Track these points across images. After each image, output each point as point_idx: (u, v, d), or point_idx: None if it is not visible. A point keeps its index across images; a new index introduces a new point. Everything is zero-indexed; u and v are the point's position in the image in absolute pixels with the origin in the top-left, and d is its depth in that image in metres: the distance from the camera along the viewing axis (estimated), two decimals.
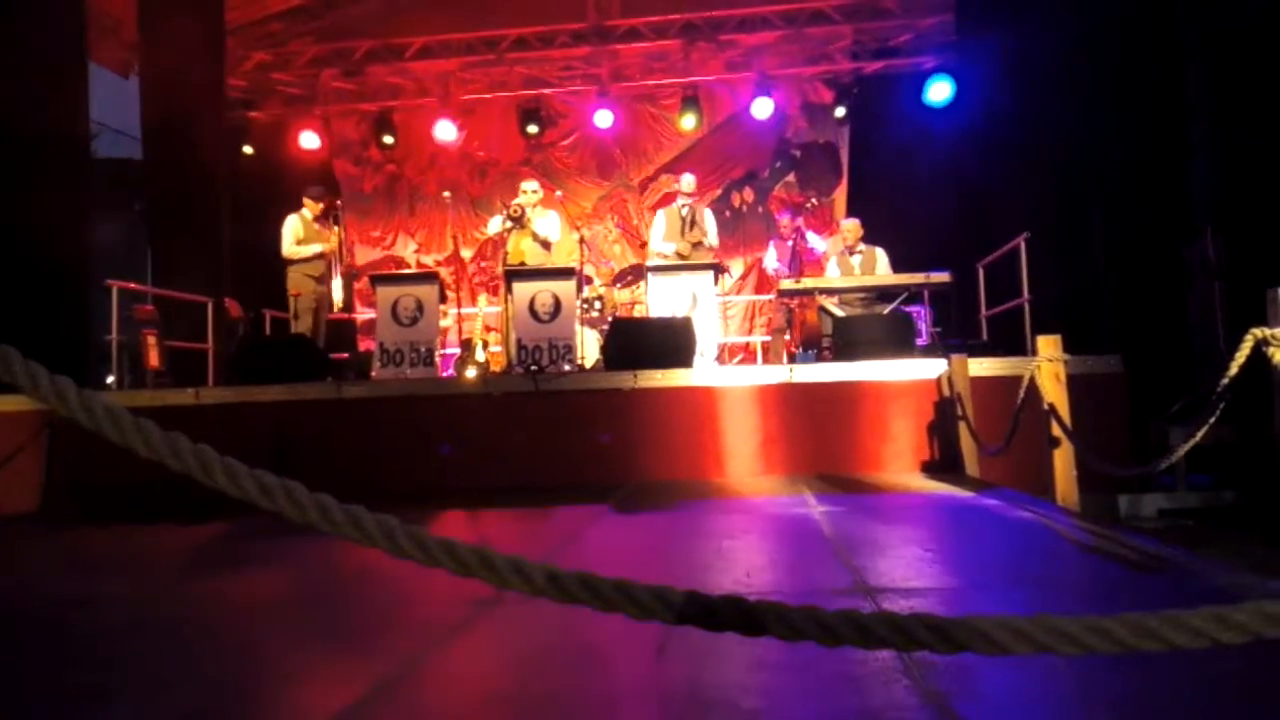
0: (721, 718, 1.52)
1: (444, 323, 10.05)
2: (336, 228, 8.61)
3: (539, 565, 0.95)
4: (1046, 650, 0.89)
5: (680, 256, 8.40)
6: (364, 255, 13.76)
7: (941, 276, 7.50)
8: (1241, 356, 2.85)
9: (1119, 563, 2.85)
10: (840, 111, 12.83)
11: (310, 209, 8.42)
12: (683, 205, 8.69)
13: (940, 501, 4.44)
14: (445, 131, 12.87)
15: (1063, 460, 4.58)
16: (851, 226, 8.82)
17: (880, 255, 8.60)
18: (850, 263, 8.59)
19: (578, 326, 7.48)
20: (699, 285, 7.68)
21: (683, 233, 8.55)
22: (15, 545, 4.53)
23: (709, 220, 8.70)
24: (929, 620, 0.90)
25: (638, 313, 9.45)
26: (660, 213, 9.04)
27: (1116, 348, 5.84)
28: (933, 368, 5.85)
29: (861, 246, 8.63)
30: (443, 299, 8.12)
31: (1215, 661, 1.66)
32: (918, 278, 7.65)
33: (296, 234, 8.25)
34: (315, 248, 8.28)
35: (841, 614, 0.92)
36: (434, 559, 0.94)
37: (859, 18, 12.33)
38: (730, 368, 8.44)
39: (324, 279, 8.45)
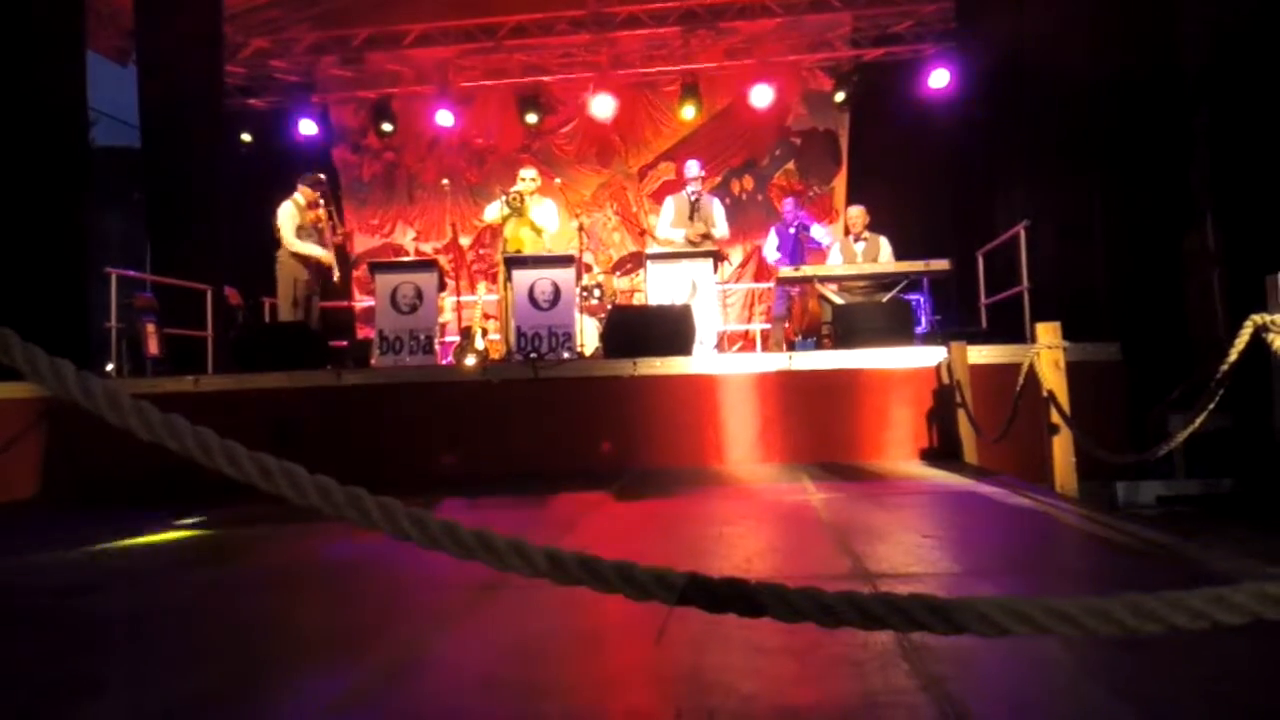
0: (720, 701, 1.53)
1: (443, 317, 10.06)
2: (331, 216, 8.53)
3: (540, 547, 0.95)
4: (1046, 631, 0.89)
5: (690, 243, 8.39)
6: (362, 243, 13.74)
7: (941, 264, 7.50)
8: (1241, 343, 2.85)
9: (1117, 549, 2.85)
10: (840, 98, 12.79)
11: (305, 195, 8.39)
12: (691, 192, 8.69)
13: (939, 488, 4.45)
14: (444, 119, 12.84)
15: (1061, 447, 4.59)
16: (857, 213, 8.81)
17: (884, 244, 8.59)
18: (853, 249, 8.59)
19: (577, 314, 7.47)
20: (698, 273, 7.67)
21: (691, 219, 8.55)
22: (14, 531, 4.54)
23: (718, 211, 8.69)
24: (929, 601, 0.91)
25: (637, 300, 9.43)
26: (669, 199, 9.01)
27: (1115, 335, 5.84)
28: (932, 355, 5.85)
29: (866, 233, 8.63)
30: (442, 287, 8.11)
31: (1214, 646, 1.67)
32: (917, 265, 7.65)
33: (295, 221, 8.22)
34: (313, 248, 8.22)
35: (841, 595, 0.92)
36: (435, 541, 0.94)
37: (859, 4, 12.29)
38: (730, 355, 8.44)
39: (317, 269, 8.43)
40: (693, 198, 8.66)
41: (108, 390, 0.94)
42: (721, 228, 8.63)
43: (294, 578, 2.98)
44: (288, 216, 8.20)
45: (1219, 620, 0.88)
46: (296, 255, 8.17)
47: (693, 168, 8.91)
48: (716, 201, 8.95)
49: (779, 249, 9.38)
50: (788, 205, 9.84)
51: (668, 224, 8.70)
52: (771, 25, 12.47)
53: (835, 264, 8.52)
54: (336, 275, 8.61)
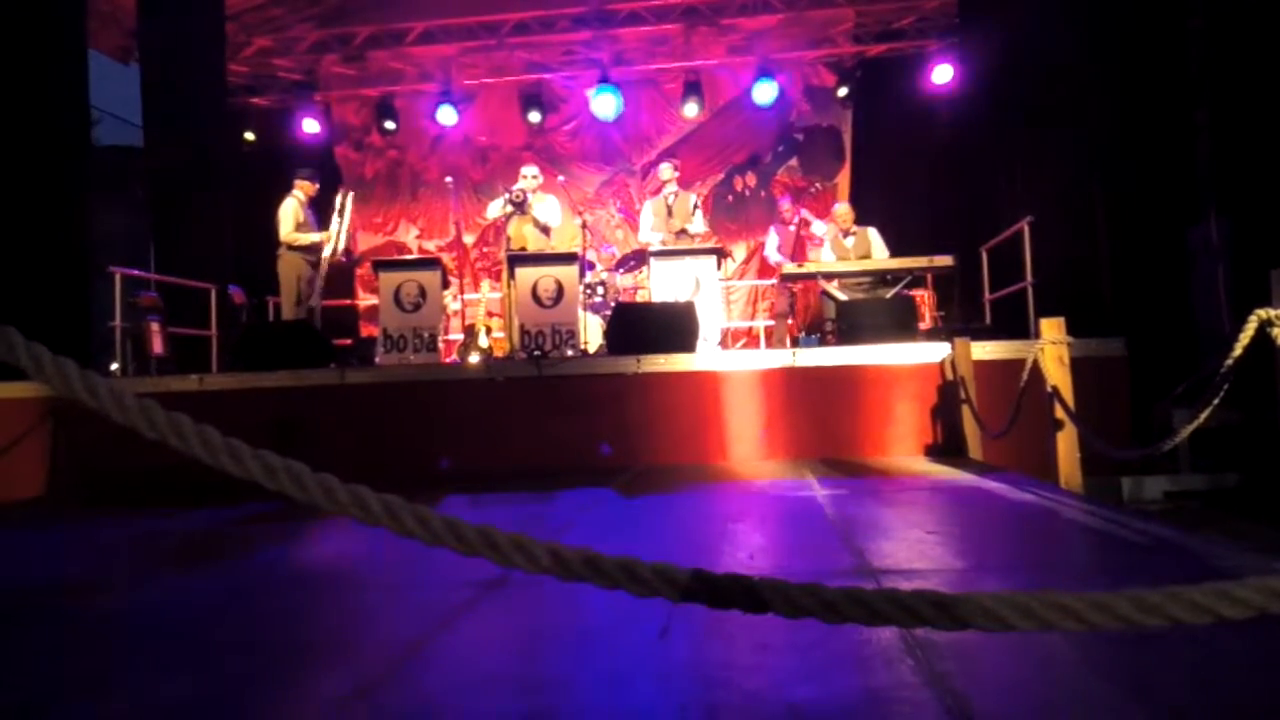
0: (724, 697, 1.53)
1: (453, 306, 10.07)
2: (338, 218, 8.51)
3: (543, 543, 0.95)
4: (1050, 626, 0.89)
5: (664, 245, 8.47)
6: (366, 241, 13.74)
7: (945, 260, 7.50)
8: (1245, 338, 2.85)
9: (1122, 544, 2.85)
10: (843, 93, 12.78)
11: (304, 190, 8.40)
12: (668, 194, 8.78)
13: (943, 484, 4.44)
14: (447, 117, 12.84)
15: (1066, 443, 4.58)
16: (843, 211, 8.92)
17: (873, 235, 8.67)
18: (845, 245, 8.64)
19: (580, 311, 7.48)
20: (702, 270, 7.68)
21: (666, 221, 8.63)
22: (20, 530, 4.55)
23: (691, 206, 8.74)
24: (933, 597, 0.91)
25: (640, 297, 9.43)
26: (648, 202, 9.23)
27: (1120, 330, 5.83)
28: (936, 351, 5.84)
29: (855, 228, 8.71)
30: (445, 284, 8.12)
31: (1218, 640, 1.67)
32: (921, 261, 7.65)
33: (297, 218, 8.23)
34: (314, 236, 8.26)
35: (845, 591, 0.92)
36: (438, 537, 0.94)
37: (861, 0, 12.26)
38: (733, 352, 8.43)
39: (319, 265, 8.44)
40: (669, 199, 8.74)
41: (112, 389, 0.94)
42: (697, 224, 8.67)
43: (297, 575, 2.98)
44: (288, 213, 8.21)
45: (1223, 615, 0.88)
46: (297, 248, 8.18)
47: (665, 170, 9.03)
48: (694, 198, 9.00)
49: (779, 249, 9.40)
50: (785, 203, 9.87)
51: (648, 228, 8.82)
52: (773, 21, 12.44)
53: (829, 260, 8.55)
54: (339, 249, 8.55)
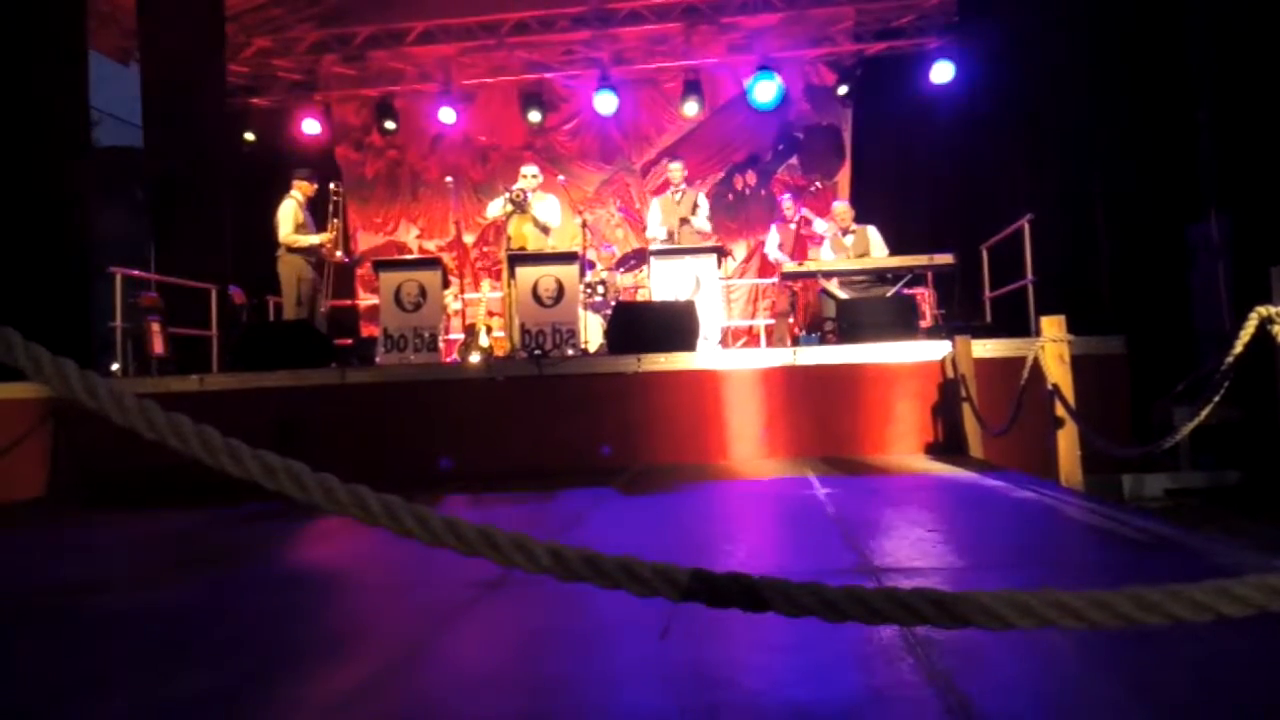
0: (724, 696, 1.53)
1: (454, 305, 10.08)
2: (336, 220, 8.55)
3: (543, 543, 0.95)
4: (1049, 624, 0.89)
5: (670, 236, 8.54)
6: (366, 241, 13.73)
7: (945, 258, 7.50)
8: (1246, 335, 2.85)
9: (1122, 542, 2.85)
10: (843, 91, 12.78)
11: (302, 190, 8.41)
12: (675, 191, 8.87)
13: (944, 483, 4.44)
14: (447, 116, 12.84)
15: (1066, 441, 4.58)
16: (842, 210, 8.96)
17: (872, 233, 8.70)
18: (844, 243, 8.66)
19: (581, 311, 7.48)
20: (702, 269, 7.68)
21: (674, 210, 8.72)
22: (21, 530, 4.55)
23: (698, 202, 8.81)
24: (932, 595, 0.90)
25: (641, 296, 9.44)
26: (655, 200, 9.33)
27: (1120, 328, 5.82)
28: (936, 349, 5.84)
29: (854, 226, 8.74)
30: (446, 284, 8.12)
31: (1219, 638, 1.66)
32: (921, 259, 7.65)
33: (296, 219, 8.23)
34: (314, 238, 8.27)
35: (845, 590, 0.92)
36: (438, 538, 0.94)
37: None
38: (734, 351, 8.43)
39: (320, 265, 8.45)
40: (676, 196, 8.85)
41: (111, 389, 0.94)
42: (701, 220, 8.70)
43: (297, 575, 2.98)
44: (288, 214, 8.21)
45: (1222, 612, 0.88)
46: (297, 250, 8.18)
47: (674, 173, 9.11)
48: (701, 195, 9.09)
49: (780, 247, 9.41)
50: (786, 199, 9.89)
51: (656, 223, 8.95)
52: (774, 20, 12.43)
53: (829, 259, 8.56)
54: (340, 255, 8.60)
